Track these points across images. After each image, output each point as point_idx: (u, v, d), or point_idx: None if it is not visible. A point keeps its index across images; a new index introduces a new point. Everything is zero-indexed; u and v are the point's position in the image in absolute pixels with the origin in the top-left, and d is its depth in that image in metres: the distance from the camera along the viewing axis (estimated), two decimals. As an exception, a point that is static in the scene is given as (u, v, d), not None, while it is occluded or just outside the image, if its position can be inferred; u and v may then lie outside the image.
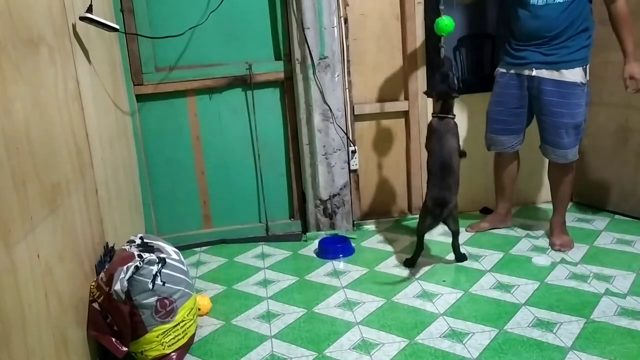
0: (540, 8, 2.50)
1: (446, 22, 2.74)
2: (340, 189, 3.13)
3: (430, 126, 2.64)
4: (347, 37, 3.03)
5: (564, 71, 2.52)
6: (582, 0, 2.47)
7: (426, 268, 2.64)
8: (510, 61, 2.69)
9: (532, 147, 2.87)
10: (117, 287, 1.84)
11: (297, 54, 2.96)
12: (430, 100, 3.15)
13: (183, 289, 2.00)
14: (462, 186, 3.34)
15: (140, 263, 1.88)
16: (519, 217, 3.17)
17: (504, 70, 2.72)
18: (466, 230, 3.01)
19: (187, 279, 2.06)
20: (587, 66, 2.55)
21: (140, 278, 1.87)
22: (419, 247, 2.63)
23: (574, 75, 2.52)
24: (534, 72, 2.59)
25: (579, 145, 2.66)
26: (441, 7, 2.79)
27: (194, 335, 2.11)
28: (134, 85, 2.94)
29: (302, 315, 2.29)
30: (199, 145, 3.11)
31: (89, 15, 2.10)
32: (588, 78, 2.56)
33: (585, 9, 2.50)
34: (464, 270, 2.60)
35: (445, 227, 2.60)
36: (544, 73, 2.56)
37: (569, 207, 3.31)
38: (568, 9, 2.46)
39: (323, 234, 3.14)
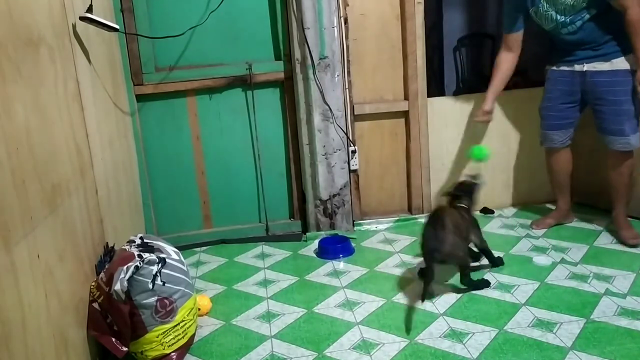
0: (572, 33, 2.58)
1: (481, 151, 2.75)
2: (340, 189, 3.13)
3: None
4: (347, 37, 3.03)
5: (614, 60, 2.57)
6: (606, 8, 2.48)
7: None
8: (559, 58, 2.73)
9: (533, 147, 2.87)
10: (117, 287, 1.83)
11: (297, 54, 2.96)
12: (430, 100, 3.16)
13: (183, 289, 2.00)
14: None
15: (140, 263, 1.88)
16: (519, 217, 3.17)
17: (554, 68, 2.76)
18: (531, 228, 3.01)
19: (187, 279, 2.06)
20: (631, 55, 2.55)
21: (140, 278, 1.87)
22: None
23: (625, 63, 2.56)
24: (585, 67, 2.63)
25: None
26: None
27: (194, 335, 2.11)
28: (134, 85, 2.94)
29: (302, 315, 2.29)
30: (199, 145, 3.11)
31: (89, 15, 2.10)
32: (634, 67, 2.55)
33: (611, 13, 2.50)
34: (464, 270, 2.60)
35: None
36: (596, 66, 2.61)
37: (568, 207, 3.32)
38: (598, 21, 2.51)
39: (323, 234, 3.14)
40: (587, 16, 2.52)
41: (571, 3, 2.50)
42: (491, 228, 3.08)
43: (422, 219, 3.26)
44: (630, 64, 2.54)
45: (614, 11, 2.46)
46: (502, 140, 3.25)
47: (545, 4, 2.54)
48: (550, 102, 2.79)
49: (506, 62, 2.84)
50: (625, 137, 2.61)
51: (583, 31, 2.56)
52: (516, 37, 2.78)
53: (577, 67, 2.66)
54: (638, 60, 2.45)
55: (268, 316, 2.31)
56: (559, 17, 2.54)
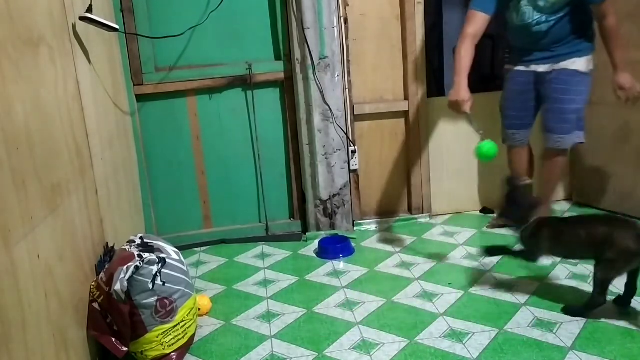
0: (540, 33, 2.55)
1: (489, 148, 2.38)
2: (340, 189, 3.13)
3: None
4: (347, 37, 3.03)
5: (568, 61, 2.58)
6: (580, 10, 2.50)
7: (426, 268, 2.64)
8: (518, 59, 2.73)
9: (533, 147, 2.87)
10: (117, 287, 1.83)
11: (297, 54, 2.96)
12: (430, 100, 3.16)
13: (183, 289, 2.00)
14: (464, 186, 3.36)
15: (140, 263, 1.88)
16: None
17: (514, 68, 2.76)
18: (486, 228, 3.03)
19: (187, 279, 2.06)
20: (591, 57, 2.58)
21: (140, 278, 1.87)
22: None
23: (578, 64, 2.57)
24: (541, 68, 2.64)
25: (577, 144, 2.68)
26: (480, 132, 2.41)
27: (194, 335, 2.11)
28: (134, 85, 2.95)
29: (302, 315, 2.29)
30: (199, 145, 3.11)
31: (89, 15, 2.10)
32: (592, 68, 2.59)
33: (588, 16, 2.53)
34: (464, 270, 2.60)
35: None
36: (551, 67, 2.62)
37: (569, 207, 3.32)
38: (564, 23, 2.52)
39: (323, 234, 3.14)
40: (560, 17, 2.51)
41: (552, 2, 2.48)
42: (491, 228, 3.07)
43: (422, 219, 3.27)
44: (586, 67, 2.57)
45: (578, 14, 2.50)
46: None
47: (526, 0, 2.52)
48: (510, 102, 2.78)
49: (471, 49, 2.56)
50: (559, 135, 2.62)
51: (551, 31, 2.54)
52: (484, 18, 2.57)
53: (533, 67, 2.66)
54: (616, 66, 2.50)
55: (268, 316, 2.31)
56: (535, 14, 2.53)
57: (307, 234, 3.18)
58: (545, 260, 2.61)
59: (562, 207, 3.32)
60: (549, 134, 2.64)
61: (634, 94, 2.52)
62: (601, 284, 2.06)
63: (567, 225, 2.21)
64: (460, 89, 2.46)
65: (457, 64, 2.55)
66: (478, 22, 2.57)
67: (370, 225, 3.25)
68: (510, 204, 2.38)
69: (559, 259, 2.61)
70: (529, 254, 2.28)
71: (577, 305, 2.15)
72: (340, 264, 2.79)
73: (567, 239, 2.15)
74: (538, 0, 2.50)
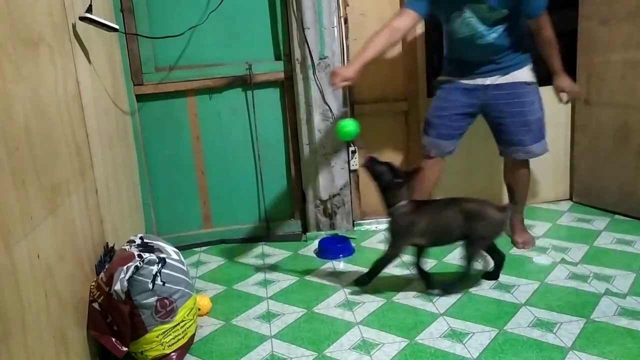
0: (485, 45, 2.55)
1: (350, 126, 2.33)
2: (340, 189, 3.13)
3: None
4: (347, 37, 3.03)
5: (514, 73, 2.60)
6: (518, 22, 2.53)
7: (426, 268, 2.63)
8: (459, 71, 2.68)
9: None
10: (117, 287, 1.84)
11: (297, 54, 2.96)
12: (430, 101, 3.15)
13: (183, 289, 2.00)
14: (464, 186, 3.35)
15: (140, 263, 1.88)
16: (519, 217, 3.17)
17: (453, 79, 2.69)
18: None
19: (187, 279, 2.06)
20: (531, 67, 2.65)
21: (140, 278, 1.87)
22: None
23: (524, 74, 2.61)
24: (488, 81, 2.62)
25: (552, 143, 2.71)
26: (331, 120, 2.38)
27: (194, 335, 2.11)
28: (134, 85, 2.95)
29: (302, 315, 2.29)
30: (199, 145, 3.11)
31: (88, 15, 2.10)
32: (534, 79, 2.65)
33: (523, 28, 2.57)
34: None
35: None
36: (497, 80, 2.61)
37: (569, 207, 3.32)
38: (506, 34, 2.53)
39: (323, 234, 3.14)
40: (503, 28, 2.51)
41: (494, 14, 2.48)
42: (491, 228, 3.08)
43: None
44: (532, 76, 2.63)
45: (517, 27, 2.53)
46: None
47: (469, 11, 2.50)
48: (446, 112, 2.70)
49: (385, 39, 2.50)
50: (527, 147, 2.66)
51: (495, 43, 2.54)
52: (413, 17, 2.53)
53: (480, 81, 2.63)
54: (556, 71, 2.61)
55: (268, 316, 2.31)
56: (480, 25, 2.51)
57: (307, 234, 3.18)
58: (544, 261, 2.61)
59: (561, 207, 3.33)
60: (517, 146, 2.67)
61: (574, 95, 2.68)
62: (470, 260, 2.30)
63: (439, 205, 2.35)
64: (350, 67, 2.45)
65: (363, 48, 2.50)
66: (407, 18, 2.53)
67: (370, 225, 3.25)
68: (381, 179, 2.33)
69: (558, 259, 2.61)
70: (393, 248, 2.34)
71: (449, 281, 2.36)
72: (340, 264, 2.79)
73: (444, 219, 2.30)
74: (481, 11, 2.48)
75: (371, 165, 2.34)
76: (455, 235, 2.31)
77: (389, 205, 2.33)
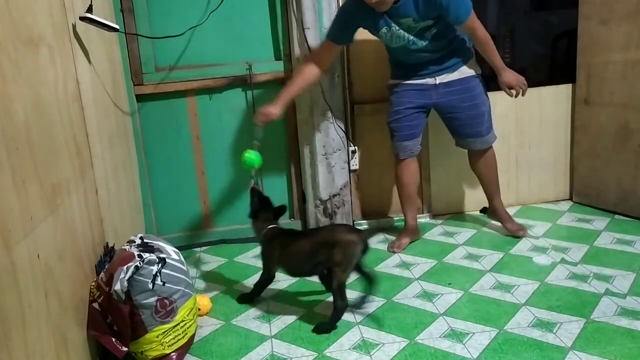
0: (421, 50, 2.63)
1: (253, 158, 2.48)
2: (340, 189, 3.13)
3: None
4: (347, 37, 3.02)
5: (460, 69, 2.71)
6: (447, 26, 2.57)
7: (426, 268, 2.64)
8: (408, 73, 2.76)
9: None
10: (117, 287, 1.83)
11: (297, 54, 2.96)
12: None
13: (183, 289, 2.00)
14: (464, 186, 3.36)
15: (140, 263, 1.88)
16: (519, 218, 3.16)
17: (403, 82, 2.77)
18: (389, 250, 2.88)
19: (187, 279, 2.06)
20: (474, 60, 2.75)
21: (140, 278, 1.87)
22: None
23: (470, 69, 2.72)
24: (437, 80, 2.71)
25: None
26: (256, 142, 2.52)
27: (194, 335, 2.11)
28: (134, 85, 2.94)
29: (302, 315, 2.29)
30: (199, 145, 3.11)
31: (89, 15, 2.10)
32: (479, 71, 2.76)
33: (449, 30, 2.61)
34: (464, 270, 2.60)
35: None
36: (446, 77, 2.71)
37: (569, 207, 3.32)
38: (440, 37, 2.60)
39: (323, 234, 3.13)
40: (432, 34, 2.57)
41: (419, 24, 2.53)
42: (491, 228, 3.08)
43: (423, 219, 3.27)
44: (476, 70, 2.74)
45: (448, 30, 2.60)
46: (502, 140, 3.24)
47: (396, 25, 2.56)
48: (401, 114, 2.77)
49: (313, 71, 2.63)
50: (484, 137, 2.78)
51: (429, 48, 2.62)
52: (336, 49, 2.70)
53: (429, 80, 2.72)
54: (498, 68, 2.67)
55: (268, 316, 2.31)
56: (409, 36, 2.57)
57: (307, 234, 3.18)
58: (544, 261, 2.61)
59: (562, 207, 3.33)
60: (473, 138, 2.78)
61: (522, 88, 2.68)
62: (339, 289, 2.13)
63: (293, 237, 2.32)
64: (275, 106, 2.54)
65: (288, 85, 2.65)
66: (327, 53, 2.69)
67: (370, 225, 3.25)
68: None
69: (558, 259, 2.61)
70: (266, 272, 2.38)
71: (324, 321, 2.17)
72: (340, 264, 2.78)
73: (294, 249, 2.26)
74: (406, 24, 2.54)
75: (251, 193, 2.46)
76: (311, 265, 2.21)
77: (257, 232, 2.40)
